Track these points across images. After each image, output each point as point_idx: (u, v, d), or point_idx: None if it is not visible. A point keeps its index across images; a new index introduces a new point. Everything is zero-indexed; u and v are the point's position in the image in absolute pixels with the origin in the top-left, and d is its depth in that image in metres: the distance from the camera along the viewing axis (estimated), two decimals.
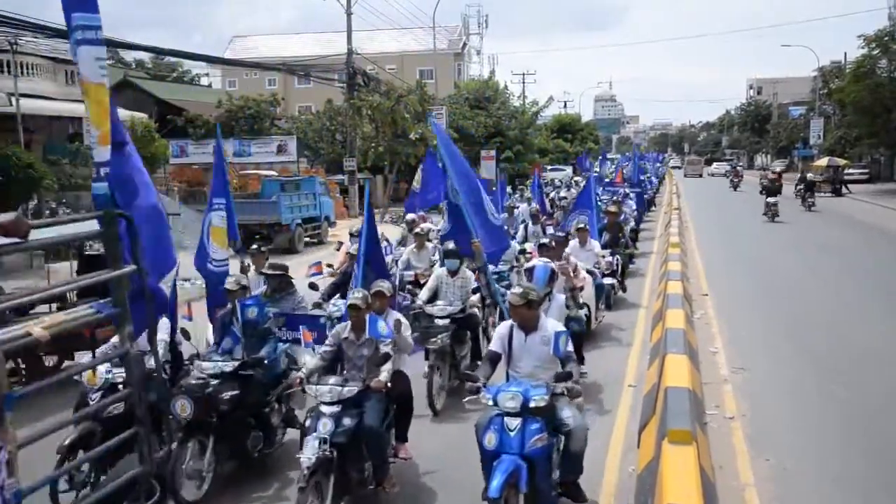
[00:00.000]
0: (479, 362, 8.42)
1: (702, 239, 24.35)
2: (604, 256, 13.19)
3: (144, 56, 62.42)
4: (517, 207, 19.98)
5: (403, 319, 7.24)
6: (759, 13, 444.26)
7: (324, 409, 6.15)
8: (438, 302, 9.60)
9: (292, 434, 7.60)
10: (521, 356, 6.08)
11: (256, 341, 7.45)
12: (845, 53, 55.11)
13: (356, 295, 6.76)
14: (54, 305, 9.18)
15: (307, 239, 24.75)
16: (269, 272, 9.00)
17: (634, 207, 23.44)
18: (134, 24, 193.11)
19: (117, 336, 6.93)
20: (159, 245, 5.59)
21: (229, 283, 7.82)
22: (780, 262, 19.34)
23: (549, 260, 7.70)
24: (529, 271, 7.53)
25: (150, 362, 6.60)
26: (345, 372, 6.77)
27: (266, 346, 7.49)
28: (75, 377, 6.68)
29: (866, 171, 52.99)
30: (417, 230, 13.22)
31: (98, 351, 7.98)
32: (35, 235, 3.51)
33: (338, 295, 9.85)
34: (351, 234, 13.09)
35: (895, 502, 6.51)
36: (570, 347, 5.93)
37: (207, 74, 68.29)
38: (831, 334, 11.78)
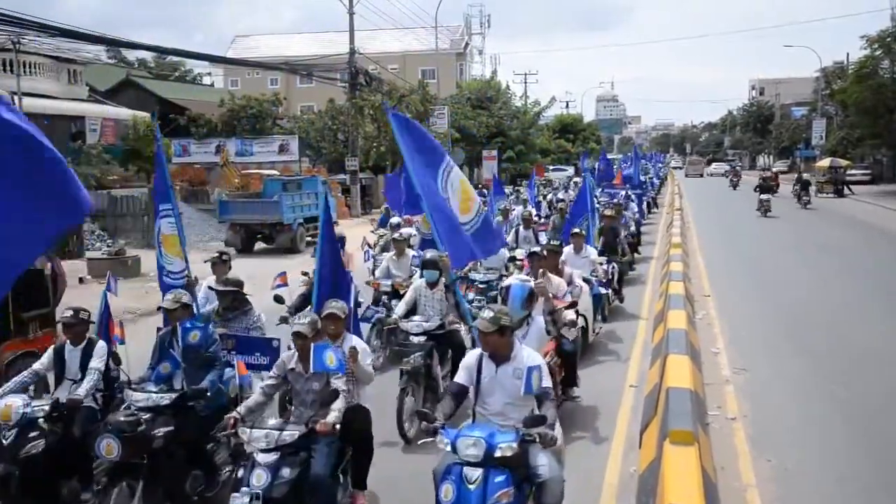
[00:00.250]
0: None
1: (703, 239, 24.35)
2: (601, 264, 12.21)
3: (147, 55, 62.64)
4: (513, 210, 18.87)
5: (362, 345, 6.36)
6: (762, 14, 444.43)
7: (259, 457, 5.30)
8: (415, 317, 8.69)
9: None
10: (491, 391, 5.21)
11: (199, 368, 6.61)
12: (848, 54, 55.20)
13: (302, 320, 5.89)
14: None
15: (309, 238, 24.76)
16: (220, 288, 7.94)
17: (636, 210, 22.57)
18: (136, 23, 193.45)
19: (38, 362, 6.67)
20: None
21: (167, 301, 6.84)
22: (781, 262, 19.32)
23: (527, 278, 6.52)
24: (505, 291, 6.44)
25: (80, 391, 6.30)
26: (292, 408, 6.04)
27: (210, 374, 6.58)
28: None
29: (868, 172, 52.88)
30: (396, 235, 12.33)
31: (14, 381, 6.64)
32: None
33: (308, 308, 8.74)
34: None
35: None
36: (547, 383, 5.11)
37: (210, 74, 68.44)
38: (832, 334, 11.77)
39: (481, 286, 11.50)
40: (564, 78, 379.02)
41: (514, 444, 4.74)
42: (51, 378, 6.86)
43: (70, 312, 6.55)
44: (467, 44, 70.69)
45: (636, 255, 18.75)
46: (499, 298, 6.96)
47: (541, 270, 8.72)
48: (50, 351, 6.72)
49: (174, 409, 6.11)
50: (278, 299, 9.14)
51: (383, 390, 7.70)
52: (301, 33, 71.16)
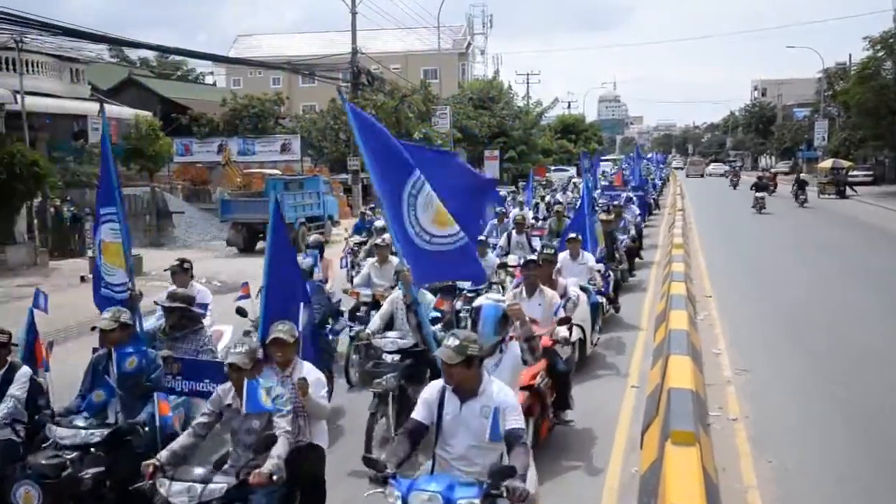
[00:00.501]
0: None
1: (703, 236, 24.43)
2: (599, 271, 11.56)
3: (149, 55, 62.72)
4: (507, 213, 17.76)
5: (315, 374, 5.51)
6: (764, 14, 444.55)
7: None
8: (390, 333, 7.90)
9: None
10: (455, 431, 4.46)
11: (138, 398, 5.82)
12: (850, 55, 55.04)
13: (237, 349, 5.10)
14: None
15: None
16: (167, 304, 6.75)
17: (637, 213, 21.41)
18: (138, 23, 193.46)
19: None
20: None
21: (104, 321, 5.89)
22: (783, 262, 19.31)
23: (501, 297, 5.60)
24: (475, 312, 5.48)
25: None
26: (229, 449, 5.28)
27: (150, 404, 5.80)
28: None
29: (871, 172, 52.90)
30: (379, 240, 11.17)
31: None
32: None
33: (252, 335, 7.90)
34: (307, 246, 11.18)
35: None
36: (518, 424, 4.34)
37: (212, 73, 68.58)
38: (833, 335, 11.78)
39: (470, 295, 10.64)
40: (566, 78, 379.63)
41: (477, 501, 4.08)
42: None
43: None
44: (469, 44, 70.70)
45: (638, 259, 18.24)
46: (468, 321, 5.81)
47: (513, 293, 7.98)
48: None
49: (106, 447, 5.40)
50: (241, 312, 8.23)
51: (358, 413, 7.18)
52: (303, 33, 71.24)
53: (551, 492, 6.54)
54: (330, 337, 8.96)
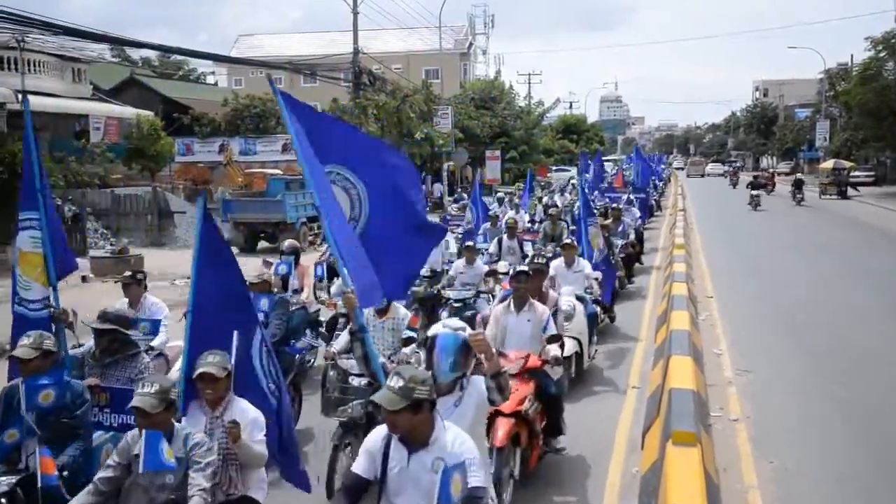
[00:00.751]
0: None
1: (704, 233, 24.53)
2: (596, 279, 10.67)
3: (151, 54, 62.79)
4: (501, 217, 16.74)
5: (251, 414, 4.73)
6: (766, 15, 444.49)
7: None
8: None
9: None
10: (401, 487, 3.78)
11: (60, 437, 4.96)
12: (852, 56, 55.04)
13: (144, 389, 4.31)
14: None
15: (311, 238, 24.79)
16: (97, 325, 5.83)
17: (638, 216, 20.50)
18: (140, 23, 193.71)
19: None
20: None
21: (22, 349, 5.02)
22: (783, 262, 19.30)
23: (461, 324, 4.58)
24: (430, 342, 4.45)
25: None
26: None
27: (72, 445, 5.00)
28: None
29: (872, 173, 52.92)
30: None
31: None
32: None
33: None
34: (282, 252, 10.29)
35: None
36: (477, 482, 3.65)
37: (213, 73, 68.62)
38: (834, 335, 11.77)
39: (456, 305, 10.24)
40: (567, 78, 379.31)
41: None
42: None
43: None
44: (471, 44, 70.70)
45: (638, 264, 17.60)
46: (421, 354, 4.91)
47: (501, 307, 7.24)
48: None
49: (10, 498, 4.65)
50: None
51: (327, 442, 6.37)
52: (304, 33, 71.27)
53: (552, 492, 6.56)
54: (297, 355, 8.16)
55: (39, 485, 4.57)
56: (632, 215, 18.97)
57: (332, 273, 10.87)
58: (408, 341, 7.14)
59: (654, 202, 32.39)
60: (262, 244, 23.91)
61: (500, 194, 25.55)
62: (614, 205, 18.31)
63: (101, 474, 4.35)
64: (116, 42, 26.76)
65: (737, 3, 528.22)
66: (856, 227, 28.50)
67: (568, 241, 11.14)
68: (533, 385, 6.47)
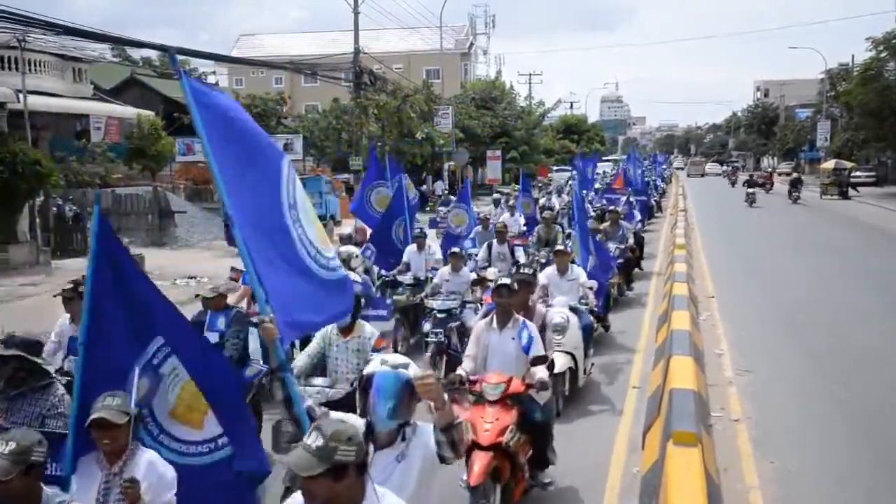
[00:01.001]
0: None
1: (703, 230, 24.57)
2: (591, 288, 9.80)
3: (152, 54, 62.69)
4: (492, 220, 15.69)
5: (159, 470, 3.98)
6: (767, 15, 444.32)
7: None
8: (317, 380, 6.15)
9: None
10: None
11: None
12: (853, 56, 55.01)
13: (4, 447, 3.45)
14: None
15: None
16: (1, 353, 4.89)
17: (638, 219, 19.59)
18: (142, 22, 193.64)
19: None
20: None
21: None
22: (784, 262, 19.30)
23: (403, 360, 3.73)
24: (365, 381, 3.62)
25: None
26: None
27: None
28: None
29: (873, 173, 52.92)
30: (342, 250, 10.01)
31: None
32: None
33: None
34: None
35: None
36: None
37: (214, 73, 68.43)
38: (835, 335, 11.77)
39: (440, 315, 9.57)
40: (568, 78, 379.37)
41: None
42: None
43: None
44: (472, 44, 70.72)
45: (638, 270, 16.93)
46: (357, 396, 3.79)
47: (483, 323, 6.35)
48: None
49: None
50: None
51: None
52: (306, 32, 71.29)
53: (576, 431, 6.64)
54: (255, 379, 7.14)
55: None
56: (632, 218, 18.15)
57: None
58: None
59: (654, 203, 31.67)
60: None
61: (496, 195, 24.64)
62: (611, 207, 17.37)
63: None
64: (117, 42, 26.72)
65: (737, 3, 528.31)
66: (856, 227, 28.52)
67: (560, 247, 10.40)
68: (516, 412, 5.76)
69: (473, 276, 10.75)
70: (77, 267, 18.96)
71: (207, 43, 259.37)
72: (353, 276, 8.97)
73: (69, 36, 19.97)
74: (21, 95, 23.11)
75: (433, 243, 13.12)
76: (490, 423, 5.59)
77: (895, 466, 7.06)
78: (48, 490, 3.56)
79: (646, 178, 32.70)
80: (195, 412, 4.27)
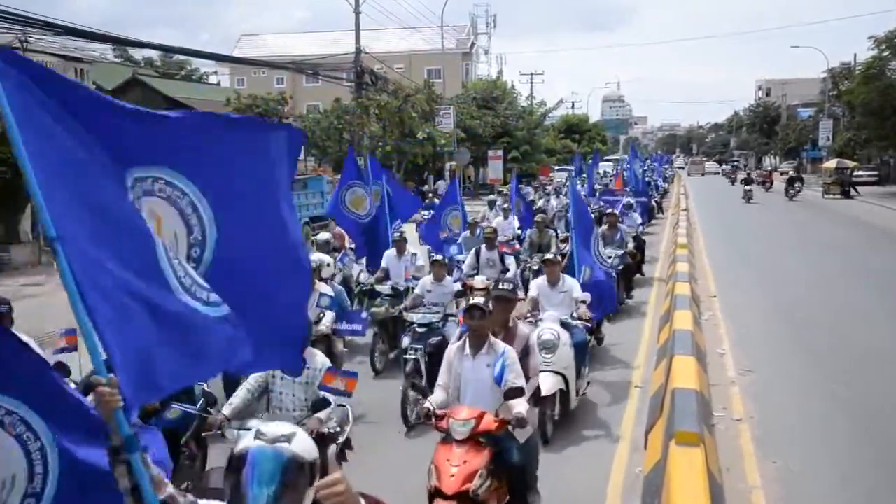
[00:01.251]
0: None
1: (704, 226, 24.56)
2: (584, 301, 8.73)
3: (153, 54, 62.83)
4: (480, 224, 14.41)
5: None
6: (768, 14, 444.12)
7: None
8: (252, 422, 5.11)
9: None
10: None
11: None
12: (855, 55, 54.95)
13: None
14: None
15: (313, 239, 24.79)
16: None
17: (639, 222, 18.54)
18: (143, 22, 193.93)
19: None
20: None
21: None
22: (786, 262, 19.28)
23: (292, 431, 2.64)
24: (237, 461, 2.58)
25: None
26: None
27: None
28: None
29: (875, 173, 52.92)
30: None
31: None
32: None
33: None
34: None
35: None
36: None
37: (216, 73, 68.59)
38: (837, 335, 11.77)
39: (420, 330, 8.77)
40: (569, 78, 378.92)
41: None
42: None
43: None
44: (473, 43, 70.70)
45: (639, 275, 16.01)
46: (225, 487, 2.73)
47: (455, 347, 5.48)
48: None
49: None
50: (62, 367, 5.10)
51: None
52: (307, 33, 71.28)
53: (555, 491, 6.53)
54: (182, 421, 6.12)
55: None
56: (632, 221, 17.09)
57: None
58: (318, 405, 5.28)
59: (654, 204, 30.64)
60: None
61: (490, 196, 23.20)
62: (609, 210, 15.90)
63: None
64: (118, 42, 26.76)
65: (738, 3, 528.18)
66: (857, 226, 28.52)
67: (550, 255, 9.33)
68: (488, 453, 4.93)
69: (458, 286, 9.97)
70: None
71: (209, 43, 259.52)
72: (322, 287, 8.45)
73: (70, 36, 20.01)
74: None
75: (418, 250, 12.17)
76: (456, 467, 4.83)
77: None
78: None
79: (646, 179, 32.23)
80: None
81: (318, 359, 5.70)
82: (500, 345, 5.41)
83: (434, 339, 8.57)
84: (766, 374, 9.85)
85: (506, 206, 18.74)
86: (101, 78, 39.01)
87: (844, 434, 7.84)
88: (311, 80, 49.08)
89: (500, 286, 6.18)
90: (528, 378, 5.49)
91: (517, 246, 14.69)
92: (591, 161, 33.71)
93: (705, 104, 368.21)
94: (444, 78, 53.04)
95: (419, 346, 8.56)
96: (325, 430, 5.27)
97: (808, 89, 77.87)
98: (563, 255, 10.73)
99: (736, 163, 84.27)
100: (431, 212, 22.07)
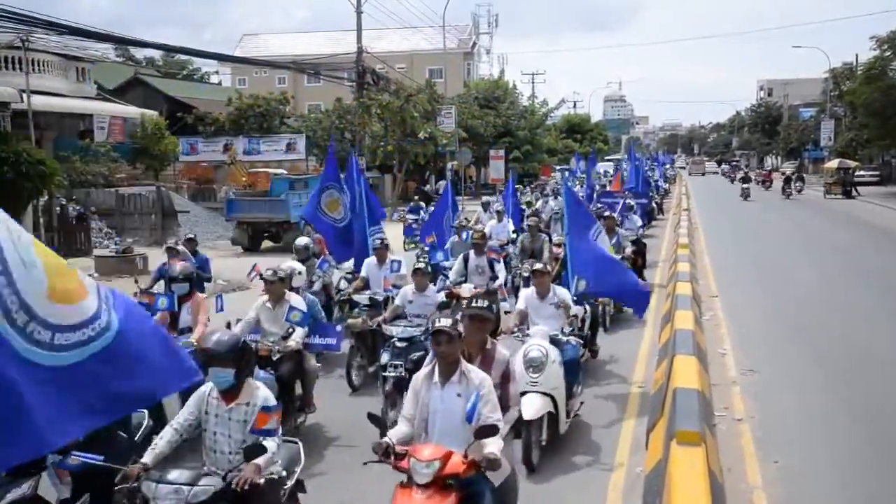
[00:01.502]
0: None
1: (705, 224, 24.60)
2: (576, 316, 8.27)
3: (155, 54, 62.96)
4: (466, 228, 13.68)
5: None
6: (769, 14, 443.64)
7: None
8: (173, 473, 4.39)
9: None
10: None
11: None
12: (857, 55, 54.94)
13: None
14: None
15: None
16: None
17: (639, 224, 17.84)
18: (144, 22, 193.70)
19: None
20: None
21: None
22: (787, 262, 19.28)
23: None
24: None
25: None
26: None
27: None
28: None
29: (877, 173, 52.90)
30: (269, 273, 7.83)
31: None
32: None
33: None
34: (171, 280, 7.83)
35: None
36: None
37: (217, 72, 68.64)
38: (839, 335, 11.76)
39: (400, 345, 8.03)
40: (570, 78, 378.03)
41: None
42: None
43: None
44: (475, 43, 70.71)
45: (641, 281, 14.29)
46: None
47: (422, 375, 4.84)
48: None
49: None
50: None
51: None
52: (308, 32, 71.32)
53: (556, 491, 6.53)
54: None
55: None
56: (631, 224, 16.61)
57: None
58: (250, 453, 4.38)
59: (654, 205, 29.76)
60: (267, 243, 23.94)
61: (484, 198, 22.07)
62: (607, 213, 15.06)
63: None
64: (120, 42, 26.80)
65: (739, 3, 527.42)
66: (858, 226, 28.50)
67: (539, 266, 8.39)
68: (454, 499, 4.31)
69: (442, 296, 9.16)
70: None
71: (211, 42, 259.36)
72: (293, 299, 7.80)
73: (72, 36, 20.03)
74: (25, 95, 23.14)
75: (400, 258, 11.00)
76: None
77: None
78: None
79: (647, 179, 31.47)
80: (70, 282, 3.36)
81: (260, 394, 4.71)
82: (475, 373, 4.74)
83: (415, 355, 7.70)
84: (767, 373, 9.84)
85: (500, 208, 17.59)
86: (103, 77, 39.05)
87: (845, 434, 7.83)
88: (312, 80, 49.12)
89: (474, 303, 5.37)
90: (507, 408, 4.93)
91: (508, 251, 13.80)
92: (588, 160, 32.21)
93: (707, 104, 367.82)
94: (446, 78, 53.01)
95: (399, 363, 7.82)
96: (261, 481, 4.39)
97: (809, 89, 77.82)
98: (557, 259, 10.23)
99: (736, 162, 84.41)
100: (416, 216, 22.06)
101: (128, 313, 3.74)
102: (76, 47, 28.71)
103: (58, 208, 22.74)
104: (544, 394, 6.98)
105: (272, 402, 4.71)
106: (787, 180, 45.26)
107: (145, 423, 5.60)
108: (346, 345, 9.18)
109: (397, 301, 8.97)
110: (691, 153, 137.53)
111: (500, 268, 11.00)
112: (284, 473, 4.85)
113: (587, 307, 9.51)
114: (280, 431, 4.74)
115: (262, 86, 50.18)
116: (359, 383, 9.28)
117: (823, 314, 13.30)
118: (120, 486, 4.44)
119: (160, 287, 10.12)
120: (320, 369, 8.43)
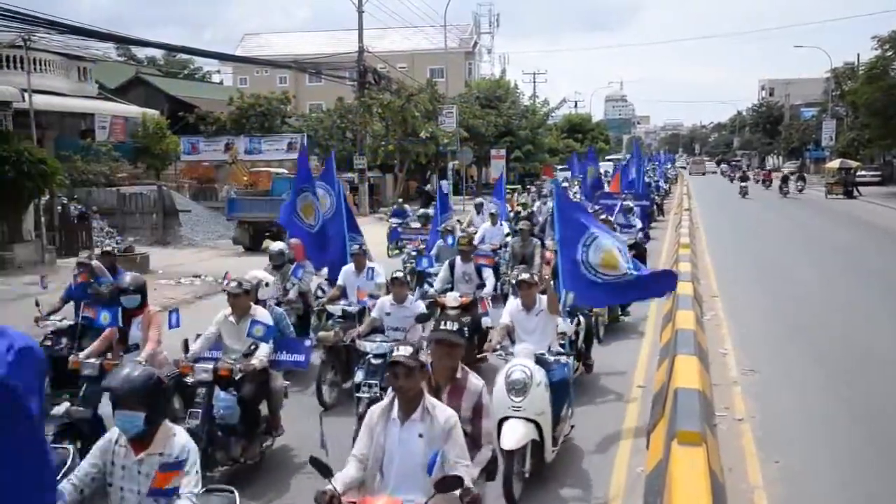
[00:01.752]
0: None
1: (705, 223, 24.64)
2: (564, 333, 7.70)
3: (156, 53, 62.98)
4: (452, 231, 13.16)
5: None
6: (769, 14, 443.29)
7: None
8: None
9: None
10: None
11: None
12: (858, 55, 54.94)
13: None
14: None
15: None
16: None
17: (640, 227, 17.13)
18: (145, 21, 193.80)
19: None
20: None
21: None
22: (789, 261, 19.27)
23: None
24: None
25: None
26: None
27: None
28: None
29: (879, 173, 52.88)
30: (233, 285, 7.11)
31: None
32: None
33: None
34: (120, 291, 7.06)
35: None
36: None
37: (219, 72, 68.66)
38: (839, 335, 11.75)
39: (376, 361, 7.52)
40: (571, 78, 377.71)
41: None
42: None
43: None
44: (476, 43, 70.77)
45: None
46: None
47: (380, 409, 4.21)
48: None
49: None
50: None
51: None
52: (310, 32, 71.34)
53: (556, 491, 6.52)
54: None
55: None
56: (631, 226, 16.14)
57: None
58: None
59: (655, 206, 28.87)
60: (268, 243, 23.94)
61: (478, 200, 20.81)
62: (604, 215, 14.41)
63: None
64: (122, 41, 26.83)
65: (739, 3, 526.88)
66: (859, 226, 28.50)
67: (525, 276, 7.42)
68: None
69: (422, 307, 8.30)
70: None
71: (212, 42, 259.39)
72: (258, 312, 7.13)
73: (73, 35, 20.05)
74: (26, 94, 23.14)
75: (376, 265, 10.20)
76: None
77: None
78: None
79: (647, 180, 31.52)
80: None
81: (177, 442, 3.88)
82: (441, 410, 4.11)
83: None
84: (768, 373, 9.84)
85: (495, 210, 16.71)
86: (105, 77, 39.05)
87: (846, 434, 7.83)
88: (313, 80, 49.11)
89: (442, 326, 4.61)
90: (478, 447, 4.37)
91: (493, 259, 12.51)
92: (585, 160, 30.40)
93: (708, 104, 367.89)
94: (447, 77, 53.03)
95: (374, 382, 7.29)
96: None
97: (811, 89, 77.77)
98: (549, 264, 9.61)
99: (736, 162, 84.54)
100: (400, 220, 21.93)
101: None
102: (77, 47, 28.71)
103: (59, 207, 22.74)
104: (528, 419, 6.22)
105: (186, 454, 3.84)
106: (785, 179, 47.02)
107: (69, 462, 4.38)
108: (316, 357, 8.51)
109: (374, 313, 8.28)
110: (693, 153, 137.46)
111: (488, 274, 10.28)
112: None
113: (581, 319, 9.12)
114: (198, 489, 3.83)
115: (263, 85, 50.19)
116: (331, 401, 8.45)
117: (824, 314, 13.29)
118: None
119: (68, 311, 8.91)
120: (289, 386, 7.64)
